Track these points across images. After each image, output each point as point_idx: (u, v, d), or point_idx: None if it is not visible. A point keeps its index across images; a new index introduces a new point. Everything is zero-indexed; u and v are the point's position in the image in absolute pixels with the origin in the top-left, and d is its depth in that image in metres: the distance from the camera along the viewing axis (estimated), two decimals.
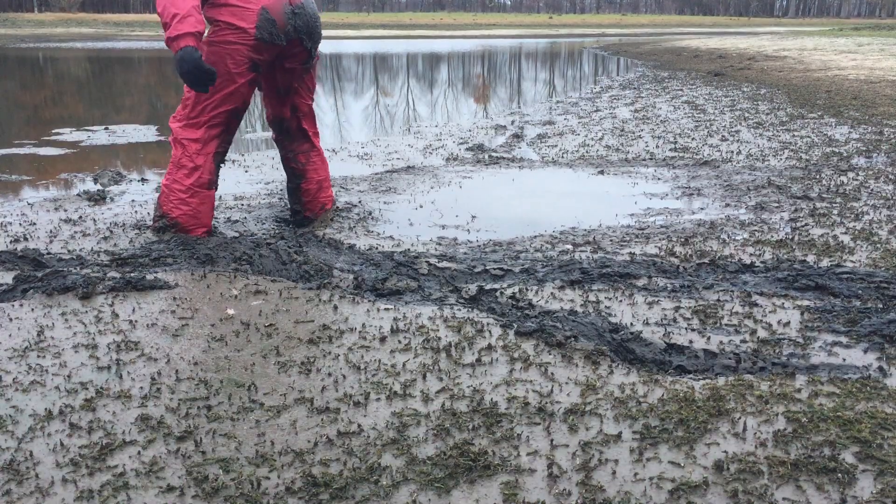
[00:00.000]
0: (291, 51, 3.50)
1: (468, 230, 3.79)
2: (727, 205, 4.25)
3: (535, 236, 3.66)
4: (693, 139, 6.64)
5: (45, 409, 1.96)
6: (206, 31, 3.30)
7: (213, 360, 2.24)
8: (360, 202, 4.36)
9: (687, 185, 4.77)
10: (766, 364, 2.21)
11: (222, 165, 3.64)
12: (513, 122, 8.09)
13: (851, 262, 3.15)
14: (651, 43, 29.11)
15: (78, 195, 4.53)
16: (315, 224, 3.88)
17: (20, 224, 3.82)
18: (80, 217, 3.97)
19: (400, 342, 2.37)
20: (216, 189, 3.60)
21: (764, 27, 62.84)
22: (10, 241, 3.50)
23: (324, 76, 16.39)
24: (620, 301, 2.73)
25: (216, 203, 4.30)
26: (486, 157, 5.87)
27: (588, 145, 6.38)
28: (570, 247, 3.44)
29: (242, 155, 6.16)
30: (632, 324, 2.52)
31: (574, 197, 4.53)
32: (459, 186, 4.80)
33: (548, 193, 4.63)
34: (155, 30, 45.43)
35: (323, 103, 10.80)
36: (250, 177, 5.21)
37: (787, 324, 2.52)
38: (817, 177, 4.88)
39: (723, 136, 6.80)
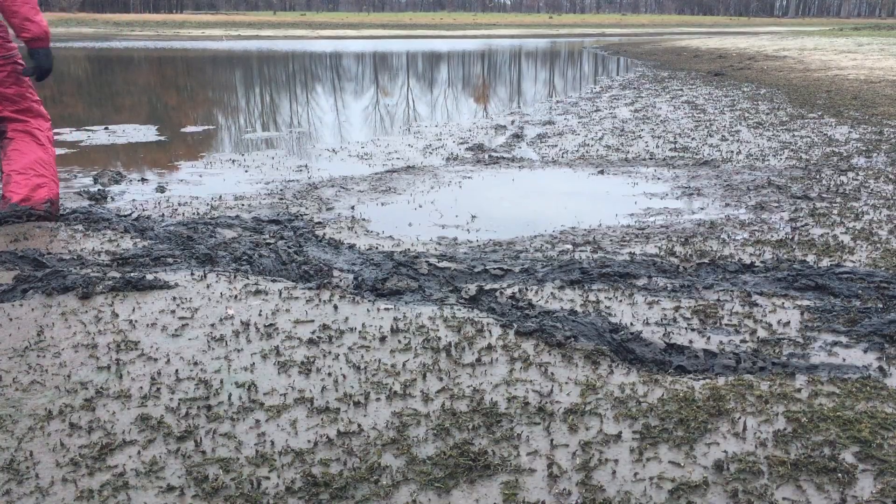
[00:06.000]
0: None
1: (468, 230, 3.79)
2: (727, 205, 4.25)
3: (535, 236, 3.66)
4: (693, 139, 6.64)
5: (45, 408, 1.96)
6: None
7: (213, 360, 2.24)
8: (359, 202, 4.36)
9: (687, 185, 4.77)
10: (766, 364, 2.21)
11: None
12: (513, 122, 8.08)
13: (851, 262, 3.15)
14: (651, 43, 29.11)
15: (78, 194, 4.53)
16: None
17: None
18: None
19: (400, 342, 2.37)
20: None
21: (764, 27, 62.84)
22: (10, 241, 3.50)
23: (324, 76, 16.39)
24: (620, 301, 2.73)
25: (216, 203, 4.31)
26: (486, 157, 5.87)
27: (588, 145, 6.38)
28: (570, 247, 3.44)
29: (242, 155, 6.16)
30: (632, 324, 2.52)
31: (574, 197, 4.53)
32: (459, 186, 4.81)
33: (548, 193, 4.63)
34: (155, 29, 45.44)
35: (323, 103, 10.80)
36: (250, 177, 5.21)
37: (787, 324, 2.52)
38: (817, 177, 4.88)
39: (723, 135, 6.80)
